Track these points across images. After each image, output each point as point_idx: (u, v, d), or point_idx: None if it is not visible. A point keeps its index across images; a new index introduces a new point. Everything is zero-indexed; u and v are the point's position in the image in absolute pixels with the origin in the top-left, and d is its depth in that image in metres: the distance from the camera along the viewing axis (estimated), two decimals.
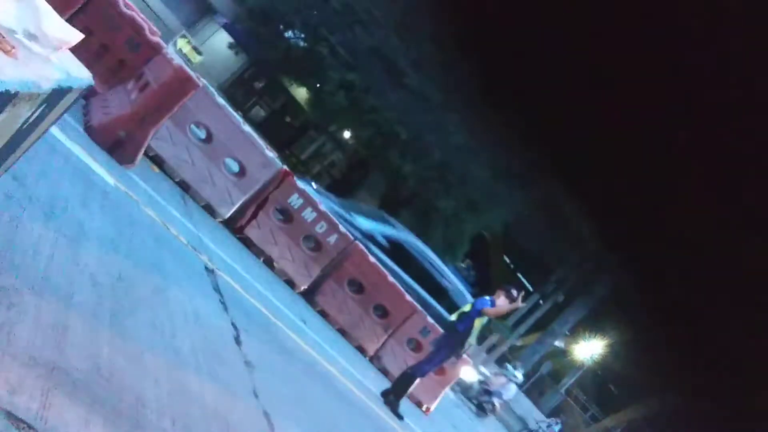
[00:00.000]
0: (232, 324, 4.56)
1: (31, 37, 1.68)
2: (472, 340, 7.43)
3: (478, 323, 7.26)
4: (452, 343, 7.41)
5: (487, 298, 7.34)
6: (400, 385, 7.48)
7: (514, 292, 7.58)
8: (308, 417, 4.64)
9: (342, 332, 8.37)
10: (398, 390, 7.42)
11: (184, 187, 6.73)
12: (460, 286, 12.61)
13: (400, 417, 7.17)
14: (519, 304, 8.10)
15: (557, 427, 17.16)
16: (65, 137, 4.47)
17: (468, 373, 14.29)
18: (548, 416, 31.53)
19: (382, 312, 8.83)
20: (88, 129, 5.43)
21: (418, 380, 7.56)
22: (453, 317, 7.45)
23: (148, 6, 22.98)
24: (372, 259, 8.60)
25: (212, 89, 6.71)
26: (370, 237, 10.56)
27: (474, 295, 11.68)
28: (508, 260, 30.95)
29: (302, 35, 25.41)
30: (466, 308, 7.35)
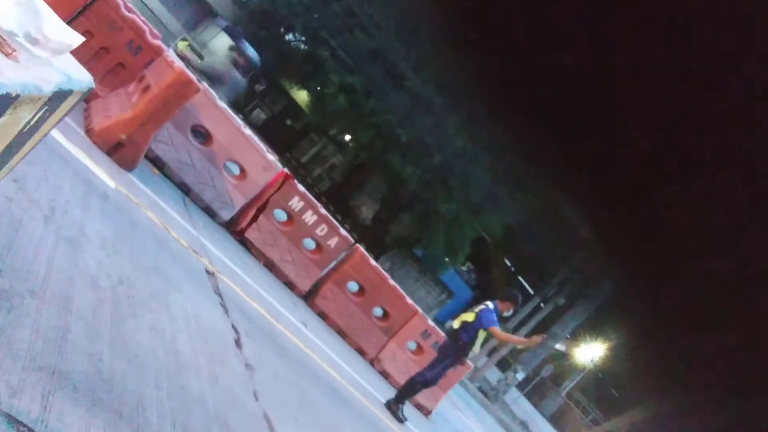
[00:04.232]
0: (233, 327, 4.56)
1: (33, 40, 1.69)
2: (477, 348, 7.42)
3: (483, 333, 7.25)
4: (456, 351, 7.40)
5: (491, 305, 7.32)
6: (402, 390, 7.49)
7: (518, 298, 7.60)
8: (308, 419, 4.64)
9: (342, 335, 8.37)
10: (400, 394, 7.42)
11: (184, 189, 6.74)
12: None
13: (400, 420, 7.16)
14: (532, 342, 8.19)
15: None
16: (66, 140, 4.47)
17: None
18: (549, 420, 31.52)
19: (383, 314, 8.83)
20: (89, 132, 5.44)
21: (419, 385, 7.53)
22: (455, 324, 7.42)
23: (149, 9, 23.03)
24: (372, 261, 8.60)
25: (213, 92, 6.71)
26: None
27: (475, 299, 11.68)
28: (509, 263, 30.94)
29: (303, 38, 25.45)
30: (469, 318, 7.30)
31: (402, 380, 8.03)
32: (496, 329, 7.24)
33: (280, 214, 7.71)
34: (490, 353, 24.35)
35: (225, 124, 6.78)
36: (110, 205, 4.29)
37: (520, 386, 28.32)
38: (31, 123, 1.75)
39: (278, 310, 6.43)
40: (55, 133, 4.13)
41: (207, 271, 5.15)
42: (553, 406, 31.63)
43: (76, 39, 1.84)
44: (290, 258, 7.72)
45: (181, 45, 23.95)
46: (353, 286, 8.53)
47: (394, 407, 7.22)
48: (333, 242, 7.97)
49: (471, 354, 7.58)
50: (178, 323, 3.63)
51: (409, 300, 8.94)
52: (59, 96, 1.80)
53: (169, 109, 5.74)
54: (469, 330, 7.25)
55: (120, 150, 5.45)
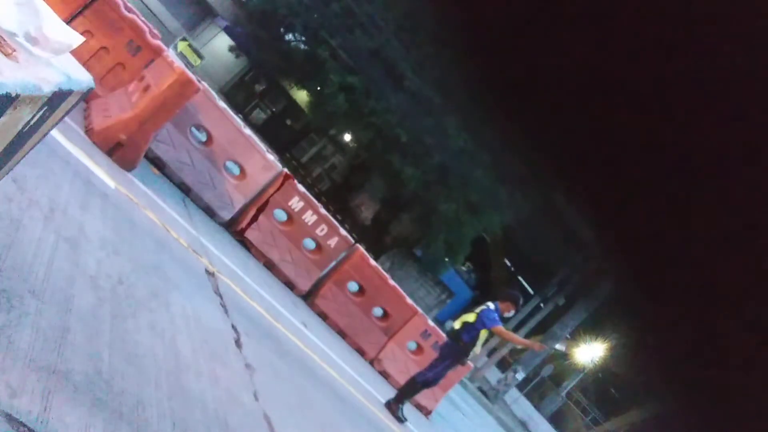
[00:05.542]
0: (233, 327, 4.56)
1: (33, 40, 1.69)
2: (477, 349, 7.43)
3: (484, 334, 7.26)
4: (457, 352, 7.40)
5: (492, 306, 7.33)
6: (402, 390, 7.49)
7: (519, 299, 7.62)
8: (308, 419, 4.64)
9: (342, 335, 8.37)
10: (400, 394, 7.42)
11: (184, 189, 6.74)
12: None
13: (400, 420, 7.16)
14: (533, 345, 8.26)
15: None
16: (66, 140, 4.47)
17: None
18: (549, 420, 31.51)
19: (383, 314, 8.83)
20: (89, 132, 5.44)
21: (420, 385, 7.53)
22: (456, 325, 7.43)
23: (149, 9, 23.05)
24: (372, 261, 8.60)
25: (213, 92, 6.71)
26: None
27: (475, 299, 11.69)
28: (509, 263, 30.94)
29: (303, 38, 25.45)
30: (470, 318, 7.31)
31: (402, 380, 8.03)
32: (500, 328, 7.27)
33: (280, 214, 7.71)
34: (490, 353, 24.36)
35: (225, 124, 6.78)
36: (110, 204, 4.29)
37: (520, 386, 28.32)
38: (31, 123, 1.75)
39: (278, 310, 6.43)
40: (55, 133, 4.13)
41: (207, 271, 5.15)
42: (553, 406, 31.61)
43: (76, 39, 1.84)
44: (290, 258, 7.72)
45: (181, 45, 23.95)
46: (353, 286, 8.53)
47: (394, 407, 7.22)
48: (333, 242, 7.97)
49: (471, 354, 7.58)
50: (178, 323, 3.63)
51: (409, 300, 8.94)
52: (59, 96, 1.80)
53: (169, 109, 5.74)
54: (470, 330, 7.25)
55: (120, 150, 5.45)
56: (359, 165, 28.07)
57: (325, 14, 23.93)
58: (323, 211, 7.91)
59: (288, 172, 7.51)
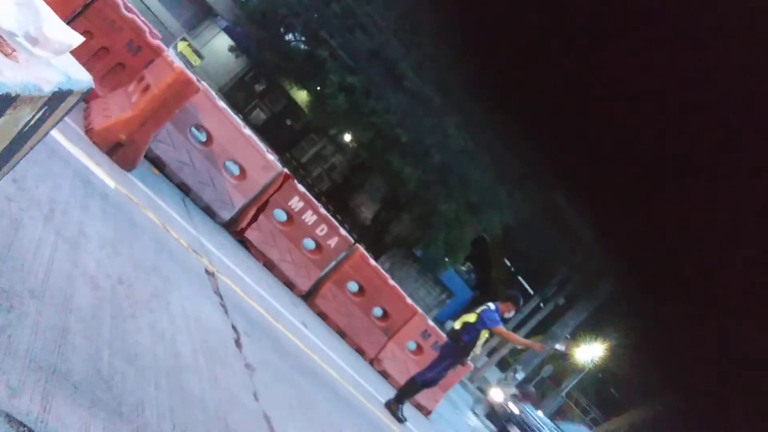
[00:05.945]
0: (233, 327, 4.55)
1: (33, 40, 1.69)
2: (477, 350, 7.44)
3: (484, 334, 7.27)
4: (457, 352, 7.40)
5: (492, 307, 7.33)
6: (402, 390, 7.49)
7: (519, 299, 7.63)
8: (308, 419, 4.64)
9: (342, 335, 8.37)
10: (400, 394, 7.42)
11: (184, 189, 6.73)
12: None
13: (400, 420, 7.16)
14: (534, 345, 8.35)
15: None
16: (66, 140, 4.47)
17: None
18: (550, 419, 31.48)
19: (383, 314, 8.83)
20: (89, 132, 5.44)
21: (420, 385, 7.53)
22: (456, 325, 7.43)
23: (149, 9, 23.04)
24: (372, 261, 8.60)
25: (213, 92, 6.71)
26: None
27: (475, 299, 11.70)
28: (508, 263, 30.92)
29: (303, 38, 25.44)
30: (471, 319, 7.32)
31: (402, 380, 8.03)
32: (501, 328, 7.28)
33: (280, 214, 7.71)
34: (490, 353, 24.35)
35: (225, 124, 6.78)
36: (110, 204, 4.29)
37: (520, 386, 28.32)
38: (31, 123, 1.75)
39: (278, 310, 6.43)
40: (55, 133, 4.13)
41: (207, 271, 5.14)
42: (552, 405, 31.60)
43: (76, 39, 1.84)
44: (290, 258, 7.72)
45: (181, 45, 23.95)
46: (353, 286, 8.53)
47: (394, 407, 7.22)
48: (333, 242, 7.97)
49: (471, 354, 7.59)
50: (178, 323, 3.63)
51: (409, 300, 8.94)
52: (59, 96, 1.80)
53: (169, 109, 5.74)
54: (471, 331, 7.26)
55: (120, 150, 5.45)
56: (359, 165, 28.06)
57: (325, 14, 23.91)
58: (323, 211, 7.90)
59: (288, 172, 7.51)
